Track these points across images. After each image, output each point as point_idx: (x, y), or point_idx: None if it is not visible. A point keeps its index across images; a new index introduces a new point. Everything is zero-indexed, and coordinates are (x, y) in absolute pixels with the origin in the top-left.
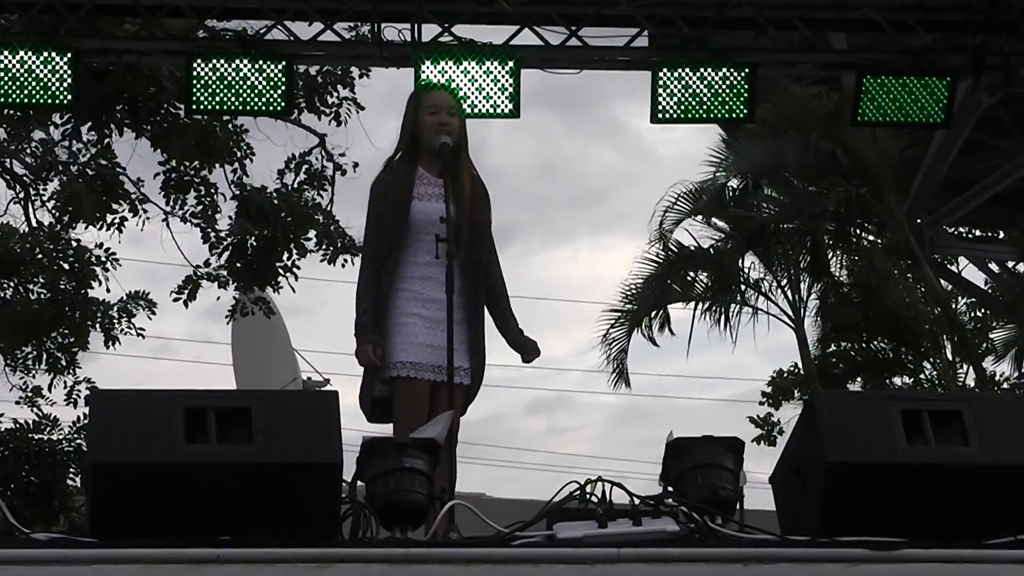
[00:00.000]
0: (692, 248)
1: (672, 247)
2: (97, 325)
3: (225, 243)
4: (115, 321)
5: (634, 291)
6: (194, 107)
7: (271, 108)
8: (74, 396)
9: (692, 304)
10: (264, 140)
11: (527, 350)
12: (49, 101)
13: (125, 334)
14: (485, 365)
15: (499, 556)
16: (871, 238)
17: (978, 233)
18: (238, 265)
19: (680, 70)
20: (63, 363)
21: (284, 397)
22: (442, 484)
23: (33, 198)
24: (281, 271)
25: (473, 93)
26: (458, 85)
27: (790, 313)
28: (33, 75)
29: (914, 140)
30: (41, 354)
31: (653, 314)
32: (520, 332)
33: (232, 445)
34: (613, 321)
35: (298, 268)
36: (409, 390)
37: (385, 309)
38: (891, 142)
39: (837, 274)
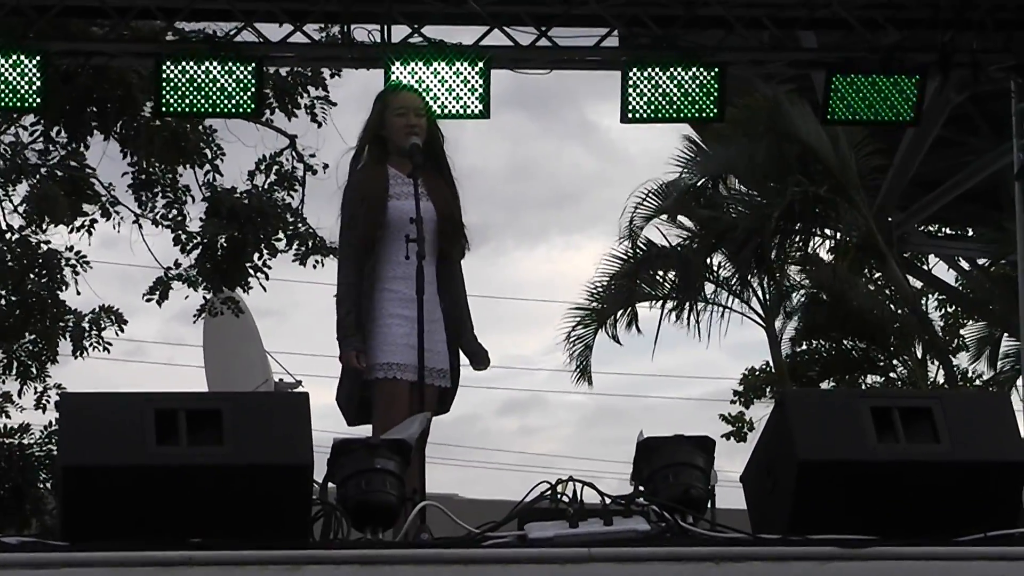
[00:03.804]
0: (660, 247)
1: (641, 245)
2: (67, 335)
3: (195, 242)
4: (86, 332)
5: (600, 289)
6: (163, 109)
7: (241, 110)
8: (44, 402)
9: (660, 302)
10: (235, 142)
11: (477, 358)
12: (18, 104)
13: (93, 348)
14: (459, 369)
15: (470, 557)
16: (838, 236)
17: (948, 231)
18: (208, 265)
19: (650, 70)
20: (34, 371)
21: (254, 399)
22: (413, 485)
23: (3, 201)
24: (251, 271)
25: (443, 94)
26: (428, 86)
27: (760, 311)
28: (2, 78)
29: (879, 134)
30: (12, 362)
31: (620, 312)
32: (474, 338)
33: (203, 447)
34: (579, 319)
35: (269, 268)
36: (392, 391)
37: (368, 309)
38: (855, 140)
39: (796, 275)
